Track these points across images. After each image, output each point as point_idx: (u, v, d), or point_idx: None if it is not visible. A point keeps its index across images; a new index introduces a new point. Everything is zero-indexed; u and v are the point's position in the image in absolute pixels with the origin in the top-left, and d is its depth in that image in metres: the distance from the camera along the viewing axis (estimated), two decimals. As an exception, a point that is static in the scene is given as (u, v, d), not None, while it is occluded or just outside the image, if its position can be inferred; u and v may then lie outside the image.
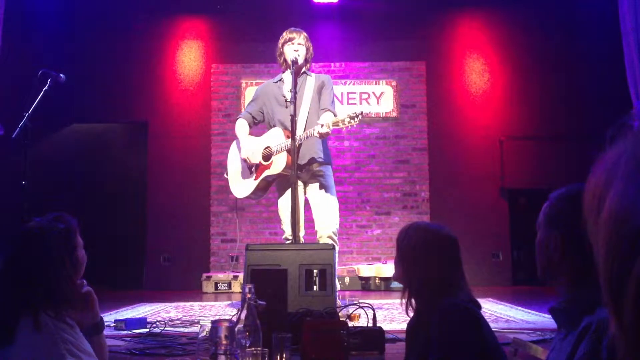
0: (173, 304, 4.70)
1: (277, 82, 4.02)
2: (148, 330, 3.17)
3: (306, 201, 3.92)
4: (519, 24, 6.81)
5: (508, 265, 6.47)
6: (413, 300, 1.77)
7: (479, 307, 1.70)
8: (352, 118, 3.40)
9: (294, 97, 3.56)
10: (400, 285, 1.84)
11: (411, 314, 1.80)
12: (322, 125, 3.48)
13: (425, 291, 1.72)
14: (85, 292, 1.82)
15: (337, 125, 3.47)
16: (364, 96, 6.79)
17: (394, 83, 6.80)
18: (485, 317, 1.72)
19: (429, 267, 1.71)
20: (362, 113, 3.42)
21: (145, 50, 6.85)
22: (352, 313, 3.11)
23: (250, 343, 1.72)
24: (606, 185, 0.58)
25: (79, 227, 1.80)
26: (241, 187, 4.00)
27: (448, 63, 6.86)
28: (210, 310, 4.30)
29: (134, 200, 6.83)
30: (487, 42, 6.86)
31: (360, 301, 3.12)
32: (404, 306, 1.79)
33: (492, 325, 1.84)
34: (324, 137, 3.58)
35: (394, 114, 6.77)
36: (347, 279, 6.19)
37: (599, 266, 0.58)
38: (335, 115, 3.67)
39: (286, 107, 3.80)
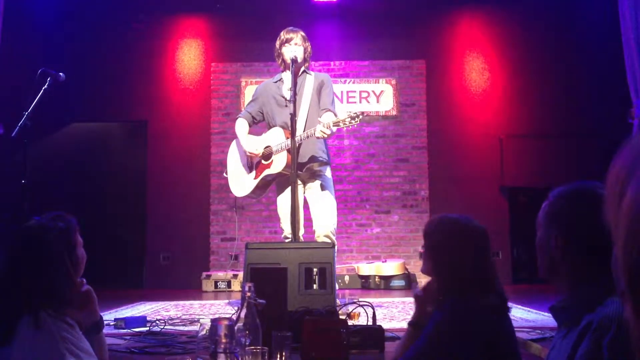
0: (173, 303, 4.70)
1: (276, 82, 4.01)
2: (148, 328, 3.17)
3: (305, 200, 3.92)
4: (519, 22, 6.81)
5: (508, 263, 6.47)
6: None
7: (499, 312, 1.66)
8: (352, 118, 3.40)
9: (294, 96, 3.56)
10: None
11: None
12: (323, 125, 3.48)
13: (456, 286, 1.69)
14: (84, 291, 1.82)
15: (338, 125, 3.47)
16: (364, 95, 6.79)
17: (393, 81, 6.79)
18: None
19: (461, 261, 1.68)
20: (362, 113, 3.44)
21: (144, 49, 6.84)
22: (352, 311, 3.11)
23: (250, 342, 1.72)
24: (630, 173, 0.58)
25: (78, 226, 1.80)
26: (241, 186, 4.00)
27: (448, 61, 6.85)
28: (210, 309, 4.30)
29: (133, 199, 6.82)
30: (487, 40, 6.86)
31: (360, 300, 3.12)
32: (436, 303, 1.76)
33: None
34: (326, 137, 3.58)
35: (394, 113, 6.77)
36: (346, 278, 6.20)
37: (618, 253, 0.58)
38: (335, 115, 3.67)
39: (285, 106, 3.80)
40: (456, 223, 1.75)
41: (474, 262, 1.68)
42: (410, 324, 1.89)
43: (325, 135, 3.51)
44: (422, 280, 6.41)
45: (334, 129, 3.51)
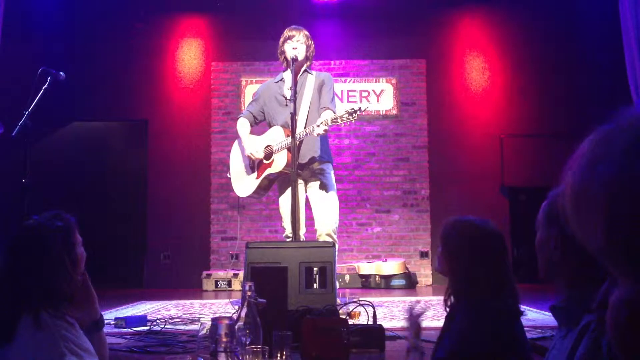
0: (173, 302, 4.70)
1: (277, 81, 4.02)
2: (148, 327, 3.17)
3: (307, 199, 3.92)
4: (519, 22, 6.80)
5: (508, 262, 6.46)
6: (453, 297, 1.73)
7: (515, 315, 1.64)
8: (350, 114, 3.39)
9: (294, 95, 3.55)
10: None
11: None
12: (318, 125, 3.47)
13: (469, 290, 1.67)
14: (84, 289, 1.81)
15: (336, 122, 3.45)
16: (364, 94, 6.79)
17: (394, 81, 6.79)
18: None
19: (478, 265, 1.66)
20: (360, 109, 3.40)
21: (145, 49, 6.84)
22: (352, 311, 3.11)
23: (251, 341, 1.72)
24: (565, 173, 0.63)
25: (77, 225, 1.79)
26: (243, 186, 4.00)
27: (448, 61, 6.85)
28: (211, 308, 4.30)
29: (134, 198, 6.83)
30: (487, 39, 6.85)
31: (361, 299, 3.12)
32: (442, 302, 1.75)
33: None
34: (322, 134, 3.57)
35: (394, 112, 6.77)
36: (347, 277, 6.20)
37: (599, 237, 0.60)
38: (334, 114, 3.67)
39: (286, 105, 3.81)
40: (474, 226, 1.73)
41: (491, 266, 1.66)
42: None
43: (322, 132, 3.50)
44: (423, 279, 6.41)
45: (331, 124, 3.49)
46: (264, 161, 3.84)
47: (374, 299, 3.82)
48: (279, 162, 3.73)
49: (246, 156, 3.98)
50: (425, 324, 2.98)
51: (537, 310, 3.69)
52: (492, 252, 1.69)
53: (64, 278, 1.67)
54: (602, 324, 0.59)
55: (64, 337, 1.57)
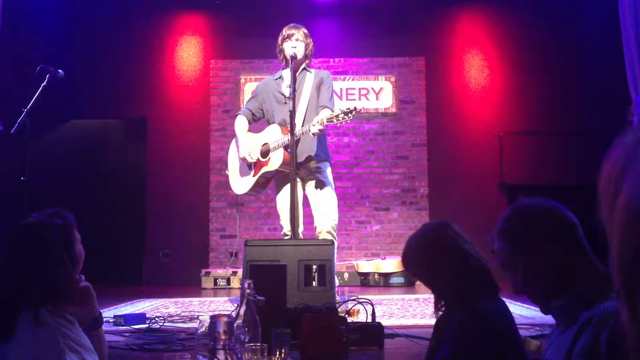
0: (172, 300, 4.70)
1: (276, 79, 4.02)
2: (147, 325, 3.17)
3: (305, 197, 3.93)
4: (519, 20, 6.80)
5: (507, 260, 6.46)
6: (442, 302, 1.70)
7: (501, 315, 1.62)
8: (346, 114, 3.38)
9: (293, 93, 3.55)
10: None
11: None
12: (314, 124, 3.47)
13: (447, 296, 1.65)
14: (83, 287, 1.81)
15: (332, 121, 3.45)
16: (363, 92, 6.79)
17: (393, 79, 6.79)
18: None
19: (439, 272, 1.64)
20: (355, 108, 3.40)
21: (144, 46, 6.83)
22: (351, 308, 3.11)
23: (249, 338, 1.72)
24: (623, 171, 0.58)
25: (76, 222, 1.79)
26: (240, 183, 4.01)
27: (447, 59, 6.84)
28: (210, 306, 4.30)
29: (133, 196, 6.82)
30: (486, 37, 6.85)
31: (359, 297, 3.12)
32: (433, 312, 1.73)
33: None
34: (318, 134, 3.57)
35: (393, 110, 6.76)
36: (346, 275, 6.20)
37: (612, 251, 0.58)
38: (332, 112, 3.67)
39: (285, 104, 3.81)
40: (436, 232, 1.69)
41: (452, 270, 1.62)
42: None
43: (317, 131, 3.50)
44: (422, 277, 6.41)
45: (327, 123, 3.48)
46: (261, 159, 3.85)
47: (373, 297, 3.83)
48: (276, 161, 3.73)
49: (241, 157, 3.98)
50: (424, 322, 3.00)
51: (535, 308, 3.69)
52: (451, 256, 1.64)
53: (63, 275, 1.67)
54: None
55: (63, 335, 1.57)
